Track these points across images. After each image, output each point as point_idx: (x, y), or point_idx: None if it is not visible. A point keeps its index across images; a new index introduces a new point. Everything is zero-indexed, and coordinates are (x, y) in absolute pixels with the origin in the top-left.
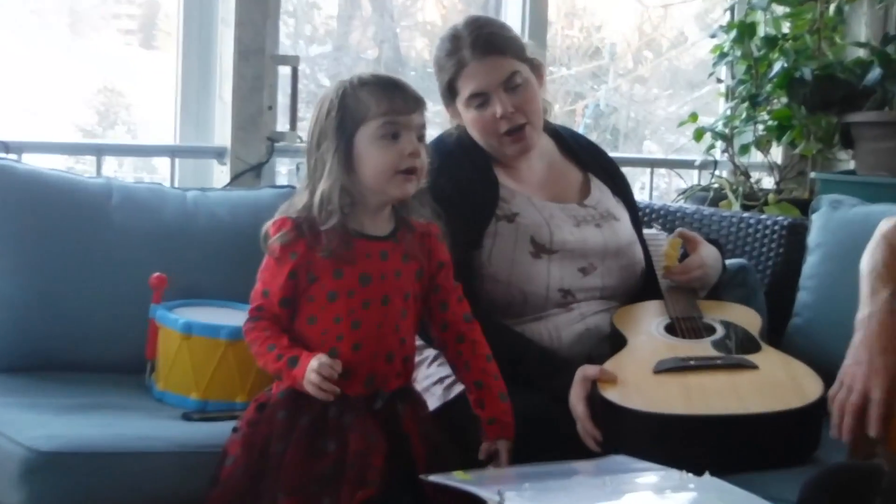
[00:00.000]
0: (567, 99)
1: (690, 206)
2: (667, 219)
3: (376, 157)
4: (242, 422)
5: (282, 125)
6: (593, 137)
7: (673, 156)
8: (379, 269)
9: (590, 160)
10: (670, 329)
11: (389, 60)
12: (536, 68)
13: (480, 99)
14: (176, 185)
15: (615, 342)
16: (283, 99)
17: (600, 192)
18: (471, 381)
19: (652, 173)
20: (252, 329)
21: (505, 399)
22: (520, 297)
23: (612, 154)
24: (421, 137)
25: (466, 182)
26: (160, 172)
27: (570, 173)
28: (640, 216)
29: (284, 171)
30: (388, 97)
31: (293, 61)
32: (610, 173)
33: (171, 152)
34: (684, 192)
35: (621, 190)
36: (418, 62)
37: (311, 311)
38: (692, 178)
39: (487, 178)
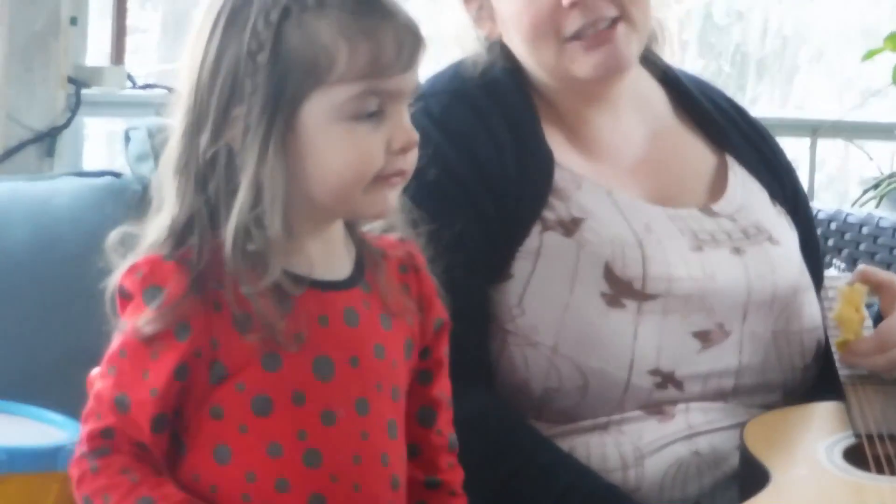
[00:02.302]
0: None
1: (890, 215)
2: (842, 238)
3: (341, 150)
4: None
5: (96, 54)
6: (699, 69)
7: (854, 115)
8: (347, 346)
9: (732, 131)
10: (853, 456)
11: None
12: None
13: None
14: None
15: (748, 478)
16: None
17: (745, 191)
18: None
19: (813, 147)
20: (96, 473)
21: None
22: (575, 381)
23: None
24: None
25: (495, 156)
26: None
27: (693, 152)
28: (819, 239)
29: (98, 136)
30: (373, 38)
31: None
32: (768, 158)
33: None
34: (876, 185)
35: (786, 188)
36: None
37: (219, 438)
38: (891, 156)
39: (533, 147)
